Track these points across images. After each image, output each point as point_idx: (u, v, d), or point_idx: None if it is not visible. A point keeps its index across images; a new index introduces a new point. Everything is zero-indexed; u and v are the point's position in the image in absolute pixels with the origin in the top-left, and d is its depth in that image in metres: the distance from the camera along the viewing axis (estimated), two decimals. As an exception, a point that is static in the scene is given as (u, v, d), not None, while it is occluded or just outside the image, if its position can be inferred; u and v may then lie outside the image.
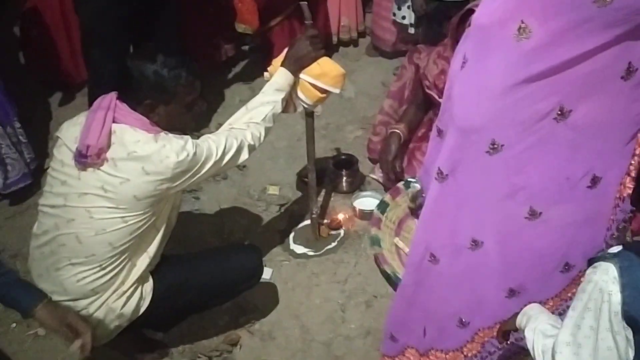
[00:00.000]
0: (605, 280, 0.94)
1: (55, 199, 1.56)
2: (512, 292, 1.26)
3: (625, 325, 0.94)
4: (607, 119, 1.06)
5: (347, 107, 3.21)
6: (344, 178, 2.64)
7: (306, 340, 2.00)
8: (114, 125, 1.50)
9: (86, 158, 1.46)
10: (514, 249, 1.20)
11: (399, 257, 2.19)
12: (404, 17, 3.25)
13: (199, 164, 1.56)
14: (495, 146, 1.10)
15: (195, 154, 1.54)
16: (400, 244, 2.24)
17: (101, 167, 1.49)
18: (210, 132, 1.71)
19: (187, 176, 1.55)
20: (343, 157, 2.73)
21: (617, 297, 0.93)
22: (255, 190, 2.68)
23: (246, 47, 3.66)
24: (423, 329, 1.44)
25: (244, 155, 1.69)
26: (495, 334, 1.29)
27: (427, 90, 2.38)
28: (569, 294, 1.27)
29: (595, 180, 1.12)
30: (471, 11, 2.06)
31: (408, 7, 3.17)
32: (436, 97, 2.35)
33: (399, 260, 2.17)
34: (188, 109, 1.60)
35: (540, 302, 1.24)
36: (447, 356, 1.41)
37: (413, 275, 1.39)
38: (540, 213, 1.14)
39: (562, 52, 0.98)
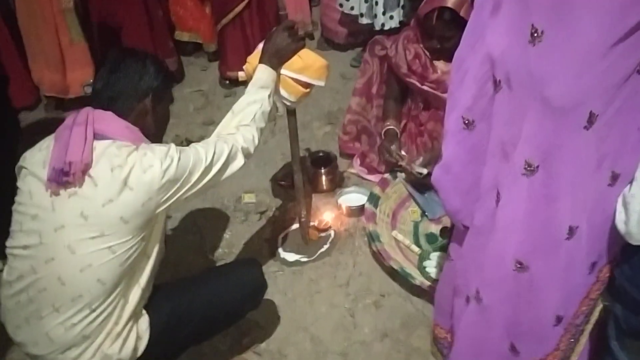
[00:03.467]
0: None
1: (27, 238, 1.34)
2: (594, 265, 1.18)
3: None
4: None
5: (311, 103, 3.08)
6: (324, 176, 2.51)
7: (320, 352, 1.85)
8: (94, 142, 1.31)
9: (68, 176, 1.25)
10: (597, 221, 1.12)
11: (401, 251, 2.09)
12: (352, 8, 3.14)
13: (187, 172, 1.39)
14: (592, 119, 0.99)
15: (180, 159, 1.37)
16: (400, 237, 2.14)
17: (79, 189, 1.29)
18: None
19: (175, 187, 1.37)
20: (320, 154, 2.59)
21: None
22: (230, 201, 2.50)
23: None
24: (509, 346, 1.29)
25: (239, 161, 1.53)
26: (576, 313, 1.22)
27: (406, 79, 2.30)
28: None
29: None
30: (442, 8, 2.02)
31: (355, -3, 3.08)
32: (417, 83, 2.27)
33: (402, 254, 2.07)
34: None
35: (609, 262, 1.20)
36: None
37: (498, 293, 1.24)
38: (619, 174, 1.06)
39: None
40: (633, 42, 0.92)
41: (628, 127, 1.03)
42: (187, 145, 1.47)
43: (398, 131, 2.38)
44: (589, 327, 1.32)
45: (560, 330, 1.24)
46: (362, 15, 3.13)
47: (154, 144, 1.40)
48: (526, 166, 1.07)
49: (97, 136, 1.33)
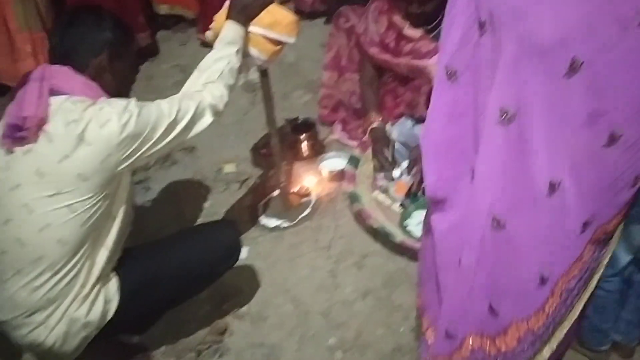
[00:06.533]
0: None
1: None
2: (586, 224, 1.09)
3: None
4: None
5: (291, 73, 3.04)
6: (304, 143, 2.46)
7: (301, 313, 1.82)
8: (50, 97, 1.27)
9: (22, 131, 1.21)
10: (589, 180, 1.03)
11: (382, 211, 2.05)
12: None
13: (150, 127, 1.34)
14: (575, 66, 0.92)
15: (140, 114, 1.32)
16: (380, 197, 2.10)
17: (34, 146, 1.25)
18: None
19: (137, 143, 1.32)
20: (300, 121, 2.54)
21: None
22: (210, 171, 2.46)
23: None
24: (488, 308, 1.22)
25: (207, 119, 1.48)
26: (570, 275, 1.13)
27: (378, 56, 2.21)
28: None
29: None
30: None
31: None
32: (390, 60, 2.17)
33: (383, 214, 2.03)
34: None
35: (607, 223, 1.11)
36: (529, 323, 1.20)
37: (475, 252, 1.17)
38: (620, 136, 0.97)
39: None
40: None
41: (633, 86, 0.94)
42: None
43: (383, 126, 2.23)
44: (587, 294, 1.24)
45: (547, 292, 1.16)
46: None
47: (113, 99, 1.35)
48: (501, 114, 1.01)
49: (53, 92, 1.29)
